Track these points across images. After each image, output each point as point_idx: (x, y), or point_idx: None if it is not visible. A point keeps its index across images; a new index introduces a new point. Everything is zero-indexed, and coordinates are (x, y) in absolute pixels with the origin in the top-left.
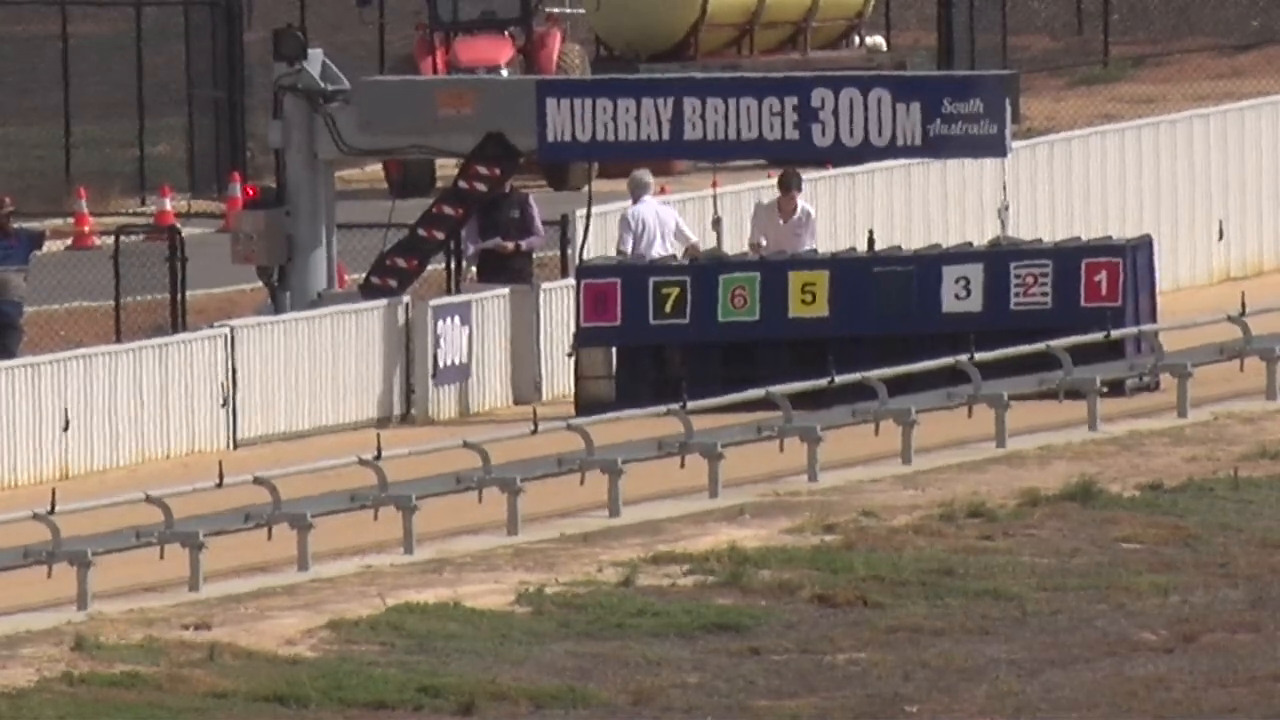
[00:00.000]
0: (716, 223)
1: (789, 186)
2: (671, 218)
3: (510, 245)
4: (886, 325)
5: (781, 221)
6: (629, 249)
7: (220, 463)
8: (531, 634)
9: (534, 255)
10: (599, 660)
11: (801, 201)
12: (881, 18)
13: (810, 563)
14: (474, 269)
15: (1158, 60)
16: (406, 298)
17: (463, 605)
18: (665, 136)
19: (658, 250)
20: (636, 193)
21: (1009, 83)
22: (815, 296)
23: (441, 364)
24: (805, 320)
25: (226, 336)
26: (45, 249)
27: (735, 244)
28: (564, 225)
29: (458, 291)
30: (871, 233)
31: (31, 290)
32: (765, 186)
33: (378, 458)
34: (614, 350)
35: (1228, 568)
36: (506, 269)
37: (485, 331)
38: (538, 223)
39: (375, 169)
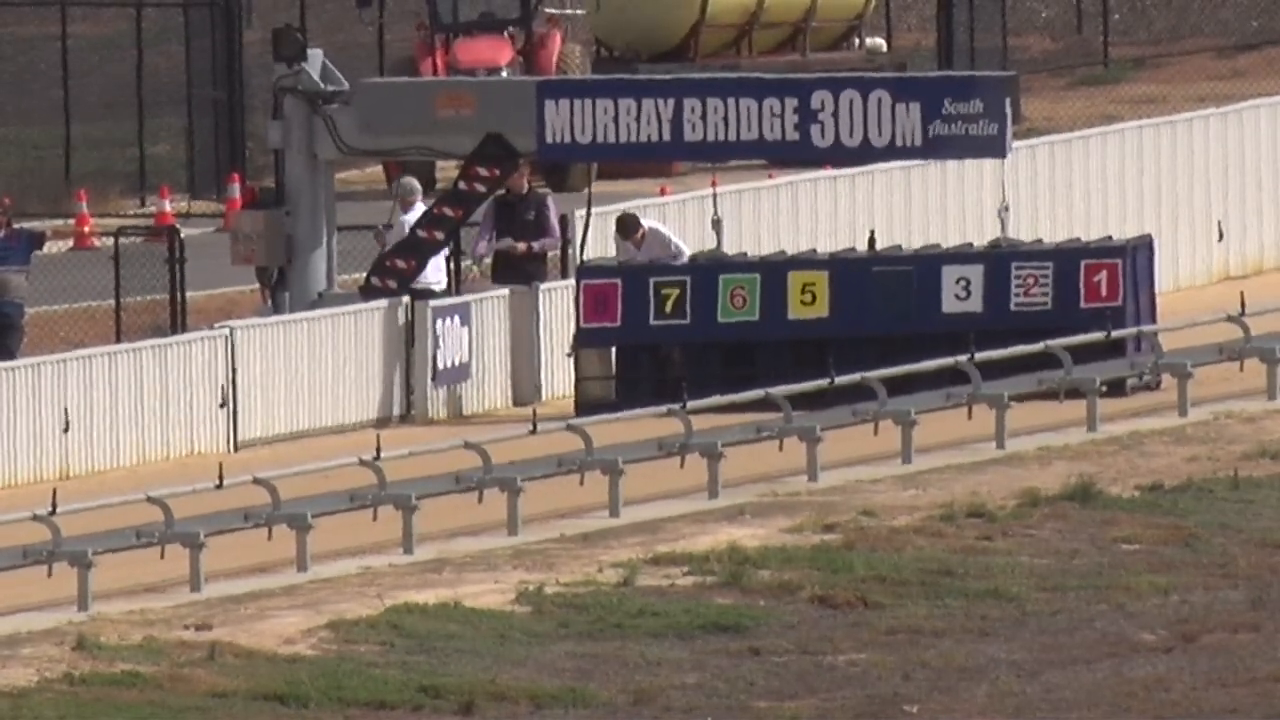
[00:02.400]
0: (716, 223)
1: (625, 233)
2: None
3: (521, 247)
4: (886, 325)
5: (636, 251)
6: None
7: (220, 463)
8: (531, 634)
9: (548, 256)
10: (599, 660)
11: (645, 224)
12: (881, 19)
13: (810, 563)
14: (478, 269)
15: (1158, 61)
16: (406, 298)
17: (463, 605)
18: (665, 137)
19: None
20: (409, 199)
21: (1009, 84)
22: (815, 297)
23: (441, 365)
24: (805, 320)
25: (226, 337)
26: (46, 249)
27: (735, 245)
28: (564, 226)
29: (458, 292)
30: (872, 233)
31: (32, 291)
32: (765, 187)
33: (377, 458)
34: (614, 351)
35: (1228, 568)
36: (520, 271)
37: (485, 332)
38: (553, 224)
39: (375, 169)
